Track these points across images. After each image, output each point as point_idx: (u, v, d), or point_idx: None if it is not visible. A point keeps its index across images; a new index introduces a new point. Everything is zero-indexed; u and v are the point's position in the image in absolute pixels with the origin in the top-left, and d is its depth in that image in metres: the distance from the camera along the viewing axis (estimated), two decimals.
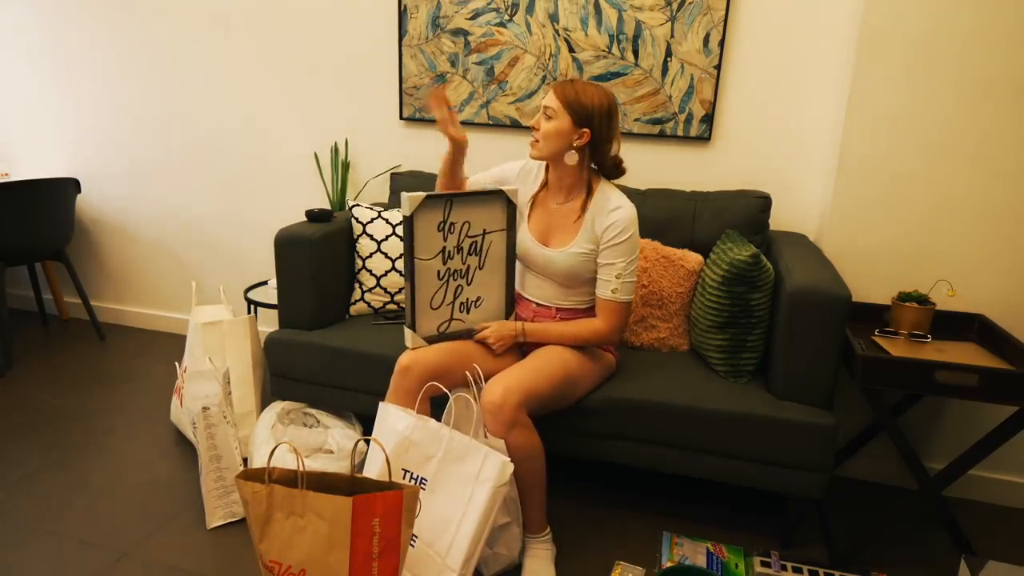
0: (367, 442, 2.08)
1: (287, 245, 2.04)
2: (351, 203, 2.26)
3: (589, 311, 1.80)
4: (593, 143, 1.67)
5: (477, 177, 1.91)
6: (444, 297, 1.75)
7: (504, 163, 1.91)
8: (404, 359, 1.68)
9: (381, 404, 1.66)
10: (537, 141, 1.69)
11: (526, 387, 1.58)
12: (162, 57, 2.85)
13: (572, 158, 1.68)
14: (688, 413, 1.71)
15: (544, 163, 1.82)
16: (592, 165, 1.74)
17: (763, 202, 2.06)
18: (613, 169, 1.74)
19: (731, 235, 1.96)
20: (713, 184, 2.31)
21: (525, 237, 1.80)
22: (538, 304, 1.83)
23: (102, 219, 3.17)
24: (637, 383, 1.80)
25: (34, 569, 1.65)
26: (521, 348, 1.87)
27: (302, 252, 2.03)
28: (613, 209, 1.68)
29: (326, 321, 2.13)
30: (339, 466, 1.88)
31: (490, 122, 2.47)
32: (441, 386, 1.64)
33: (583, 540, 1.83)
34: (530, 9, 2.32)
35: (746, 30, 2.16)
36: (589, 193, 1.73)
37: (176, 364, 1.93)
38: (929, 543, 1.89)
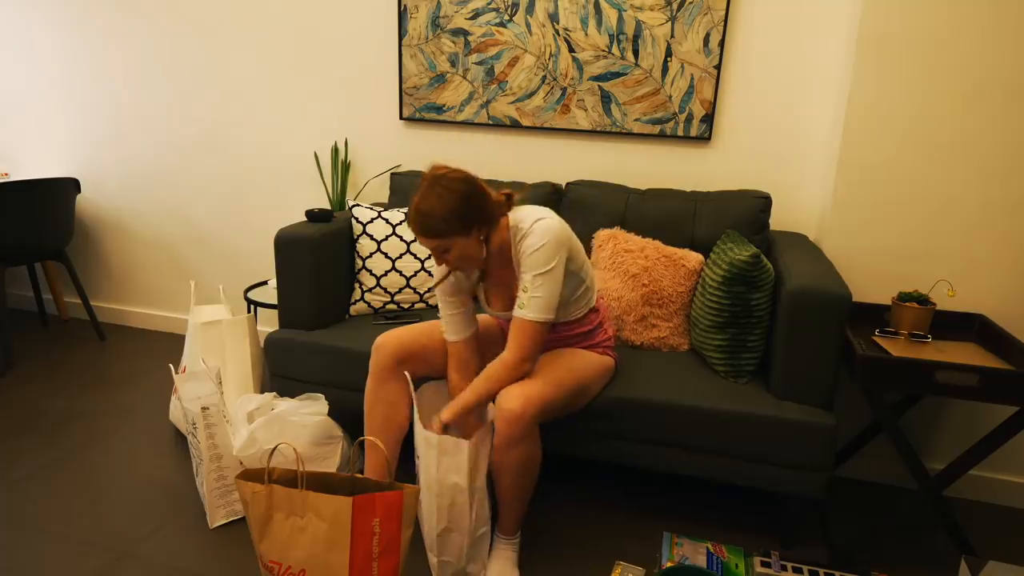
0: (362, 443, 2.08)
1: (287, 245, 2.04)
2: (351, 203, 2.26)
3: (581, 320, 1.75)
4: (486, 224, 1.57)
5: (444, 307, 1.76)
6: None
7: (439, 299, 1.73)
8: (379, 339, 1.75)
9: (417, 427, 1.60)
10: (458, 269, 1.59)
11: (546, 398, 1.55)
12: (162, 58, 2.85)
13: (496, 231, 1.61)
14: (688, 413, 1.71)
15: None
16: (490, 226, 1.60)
17: (763, 202, 2.06)
18: (505, 205, 1.62)
19: (731, 235, 1.96)
20: (713, 184, 2.31)
21: (500, 315, 1.75)
22: None
23: (102, 219, 3.17)
24: (637, 383, 1.80)
25: (34, 569, 1.65)
26: None
27: (302, 252, 2.03)
28: (526, 234, 1.55)
29: (326, 321, 2.13)
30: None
31: (490, 122, 2.47)
32: (407, 375, 1.66)
33: (583, 540, 1.83)
34: (530, 9, 2.32)
35: (746, 30, 2.17)
36: (509, 233, 1.62)
37: (171, 367, 1.93)
38: (929, 543, 1.89)
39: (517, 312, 1.56)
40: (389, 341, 1.74)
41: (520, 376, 1.59)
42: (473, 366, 1.75)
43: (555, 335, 1.77)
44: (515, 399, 1.52)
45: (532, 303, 1.55)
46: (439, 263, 1.60)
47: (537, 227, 1.54)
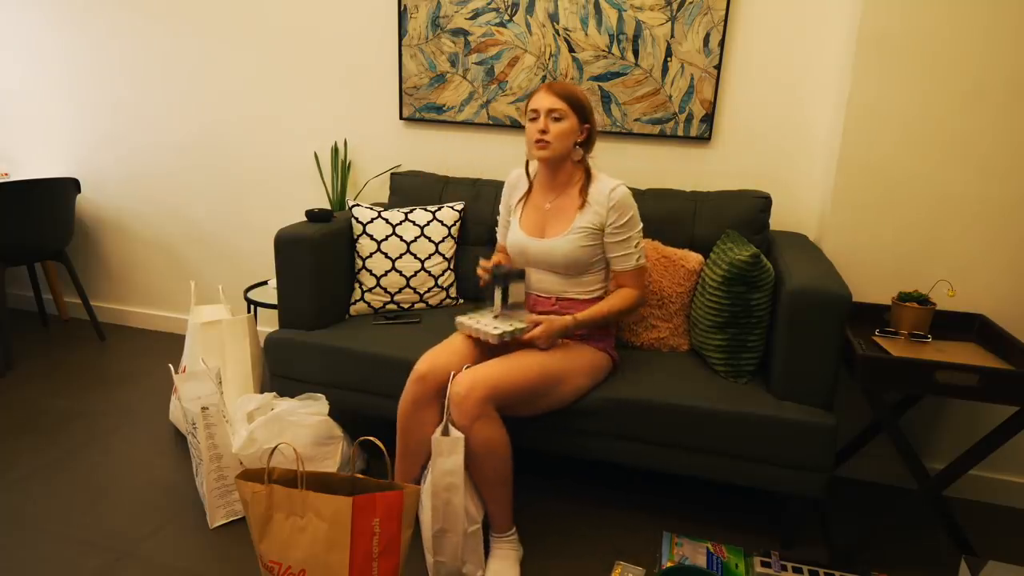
0: (362, 443, 2.08)
1: (287, 245, 2.04)
2: (351, 203, 2.26)
3: (588, 302, 1.80)
4: (590, 128, 1.77)
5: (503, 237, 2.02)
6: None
7: (501, 201, 1.99)
8: (421, 366, 1.67)
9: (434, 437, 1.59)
10: (548, 143, 1.72)
11: (493, 382, 1.58)
12: (162, 57, 2.85)
13: (577, 154, 1.77)
14: (688, 413, 1.71)
15: (526, 169, 1.89)
16: (589, 136, 1.80)
17: (763, 202, 2.06)
18: (591, 144, 1.82)
19: (731, 235, 1.96)
20: (713, 184, 2.31)
21: (519, 236, 1.83)
22: (537, 295, 1.84)
23: (102, 219, 3.17)
24: (637, 383, 1.80)
25: (34, 569, 1.65)
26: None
27: (302, 252, 2.03)
28: (610, 191, 1.74)
29: (326, 321, 2.13)
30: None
31: (490, 122, 2.47)
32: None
33: (583, 540, 1.83)
34: (530, 9, 2.32)
35: (746, 30, 2.16)
36: (589, 179, 1.79)
37: (171, 367, 1.93)
38: (929, 543, 1.89)
39: (634, 264, 1.78)
40: (433, 373, 1.66)
41: (639, 307, 1.85)
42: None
43: (559, 310, 1.80)
44: (461, 383, 1.57)
45: (642, 253, 1.80)
46: (540, 129, 1.72)
47: (624, 190, 1.76)
